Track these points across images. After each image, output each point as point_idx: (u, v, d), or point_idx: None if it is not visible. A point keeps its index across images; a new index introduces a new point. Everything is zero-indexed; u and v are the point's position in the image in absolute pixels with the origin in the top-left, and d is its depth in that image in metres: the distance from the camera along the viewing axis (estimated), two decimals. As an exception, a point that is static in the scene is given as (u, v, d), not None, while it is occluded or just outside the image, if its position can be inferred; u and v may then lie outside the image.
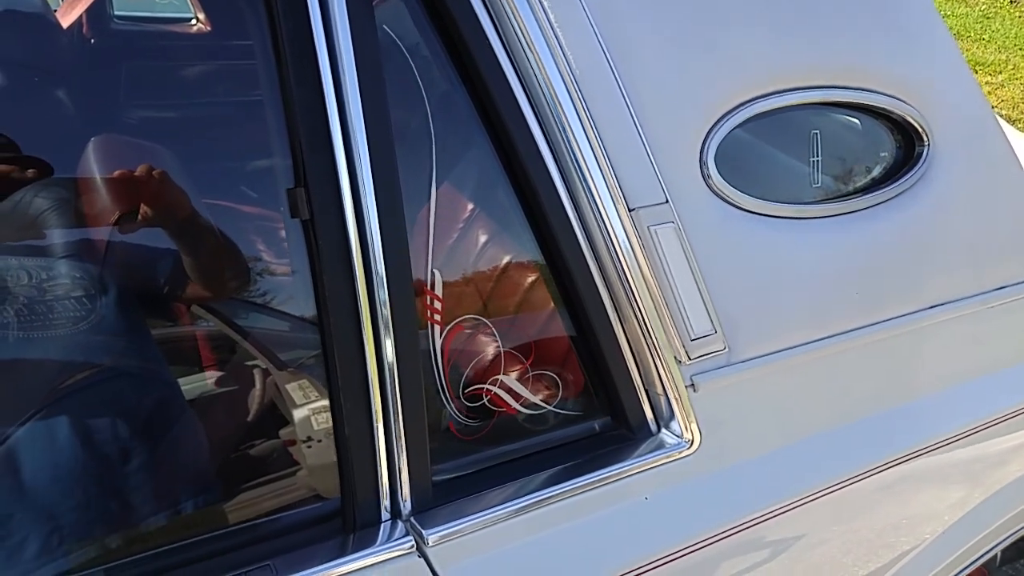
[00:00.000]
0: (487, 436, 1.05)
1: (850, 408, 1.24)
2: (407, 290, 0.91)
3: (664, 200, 1.04)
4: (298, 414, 1.13)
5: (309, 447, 1.13)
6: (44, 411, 1.02)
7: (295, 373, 1.17)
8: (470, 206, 1.00)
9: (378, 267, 0.89)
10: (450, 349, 0.99)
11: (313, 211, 0.86)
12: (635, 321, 1.06)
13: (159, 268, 1.14)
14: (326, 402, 0.99)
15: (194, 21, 2.17)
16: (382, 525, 0.96)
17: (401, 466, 0.95)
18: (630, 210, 1.01)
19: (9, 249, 1.07)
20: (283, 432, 1.18)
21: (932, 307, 1.32)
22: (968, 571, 1.43)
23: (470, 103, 0.96)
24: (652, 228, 1.03)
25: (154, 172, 1.05)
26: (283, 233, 1.07)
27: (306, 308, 0.94)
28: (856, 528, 1.26)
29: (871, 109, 1.26)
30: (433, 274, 0.97)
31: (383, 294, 0.89)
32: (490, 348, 1.02)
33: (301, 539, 0.93)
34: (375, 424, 0.92)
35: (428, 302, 0.97)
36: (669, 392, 1.09)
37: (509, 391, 1.04)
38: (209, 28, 1.70)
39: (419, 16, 0.93)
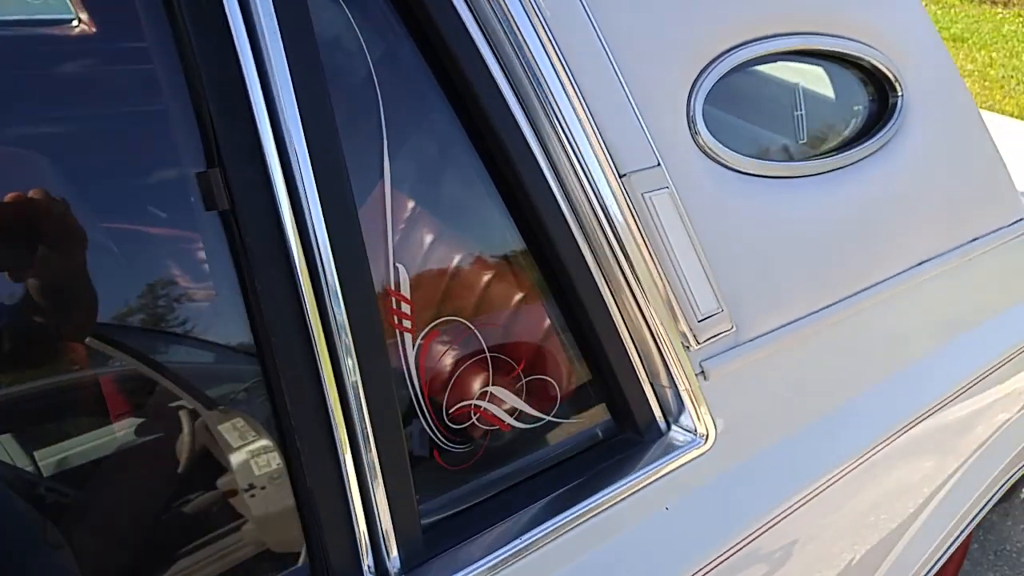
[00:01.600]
0: (478, 461, 0.80)
1: (860, 378, 1.04)
2: (367, 291, 0.66)
3: (656, 163, 0.82)
4: (236, 458, 0.84)
5: (253, 496, 0.84)
6: None
7: (227, 412, 0.87)
8: (434, 184, 0.75)
9: (326, 264, 0.63)
10: (426, 362, 0.74)
11: (233, 197, 0.60)
12: (634, 305, 0.83)
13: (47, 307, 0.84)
14: (267, 441, 0.72)
15: (76, 22, 1.83)
16: (366, 593, 0.70)
17: (382, 514, 0.69)
18: (620, 176, 0.79)
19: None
20: (221, 482, 0.88)
21: (921, 263, 1.14)
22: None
23: (423, 60, 0.72)
24: (647, 195, 0.80)
25: (53, 198, 0.74)
26: (200, 251, 0.78)
27: (234, 332, 0.66)
28: (877, 497, 1.07)
29: (846, 58, 1.08)
30: (396, 270, 0.71)
31: (336, 299, 0.63)
32: (475, 356, 0.77)
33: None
34: (344, 467, 0.66)
35: (394, 306, 0.71)
36: (678, 383, 0.87)
37: (500, 404, 0.79)
38: (94, 29, 1.38)
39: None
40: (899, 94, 1.13)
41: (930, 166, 1.16)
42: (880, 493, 1.06)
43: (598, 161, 0.77)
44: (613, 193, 0.78)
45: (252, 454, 0.70)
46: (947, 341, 1.16)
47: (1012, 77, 5.17)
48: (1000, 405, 1.32)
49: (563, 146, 0.76)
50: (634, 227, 0.79)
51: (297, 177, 0.61)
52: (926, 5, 6.51)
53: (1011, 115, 4.77)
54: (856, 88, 1.13)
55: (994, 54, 5.85)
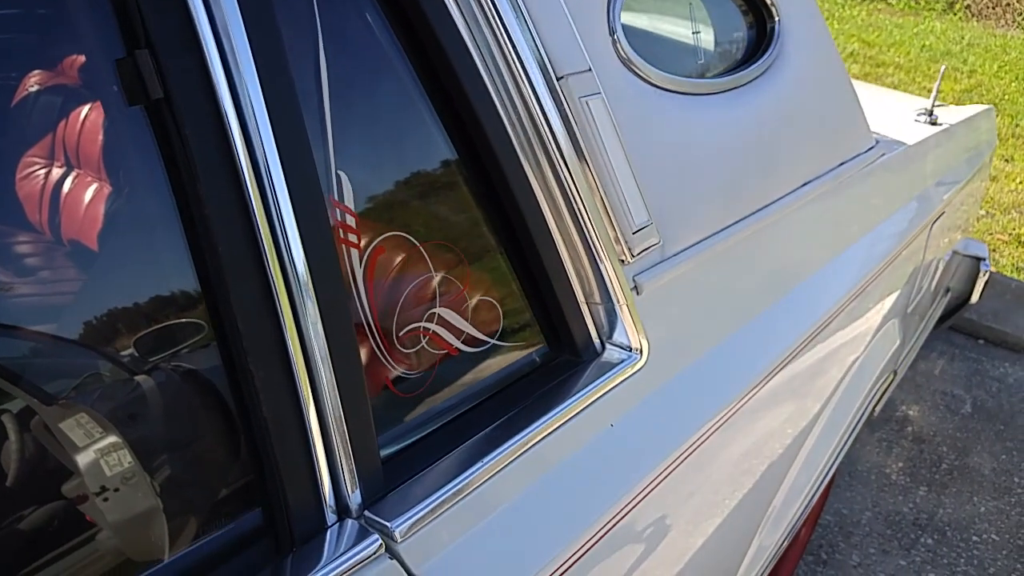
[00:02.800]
0: (429, 387, 0.78)
1: (770, 291, 1.13)
2: (315, 194, 0.61)
3: (588, 68, 0.83)
4: (83, 459, 0.75)
5: (106, 499, 0.76)
6: None
7: (69, 406, 0.77)
8: (372, 92, 0.71)
9: (271, 167, 0.58)
10: (374, 281, 0.71)
11: (167, 85, 0.53)
12: (571, 218, 0.84)
13: None
14: (116, 438, 0.66)
15: None
16: (329, 531, 0.66)
17: (342, 449, 0.65)
18: (558, 78, 0.79)
19: None
20: (67, 488, 0.77)
21: (805, 184, 1.25)
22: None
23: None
24: (583, 99, 0.81)
25: None
26: (38, 256, 0.67)
27: (77, 319, 0.59)
28: (791, 404, 1.18)
29: (730, -19, 1.15)
30: (339, 177, 0.67)
31: (284, 202, 0.59)
32: (421, 275, 0.75)
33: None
34: (302, 397, 0.62)
35: (339, 217, 0.68)
36: (615, 299, 0.89)
37: (448, 326, 0.78)
38: None
39: None
40: (776, 19, 1.22)
41: (806, 91, 1.27)
42: (788, 403, 1.16)
43: (537, 63, 0.77)
44: (552, 96, 0.78)
45: (96, 451, 0.62)
46: (834, 256, 1.29)
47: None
48: (867, 322, 1.49)
49: (502, 49, 0.75)
50: (574, 132, 0.80)
51: (233, 60, 0.56)
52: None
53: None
54: (735, 14, 1.22)
55: None
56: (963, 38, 6.24)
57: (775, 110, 1.17)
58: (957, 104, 5.16)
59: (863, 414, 1.55)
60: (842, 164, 1.40)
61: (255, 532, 0.65)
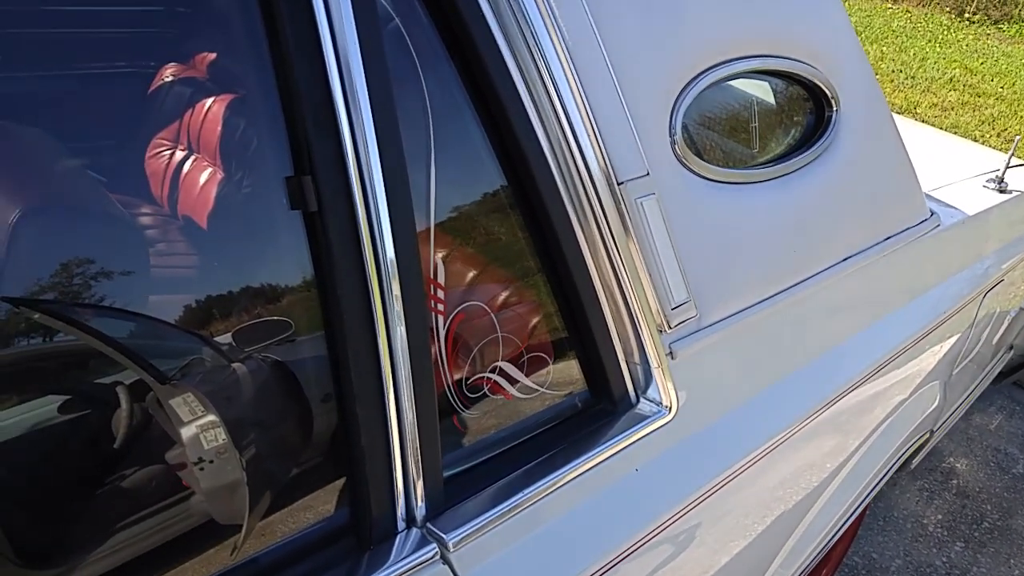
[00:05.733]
0: (486, 425, 1.01)
1: (796, 358, 1.32)
2: (418, 283, 0.84)
3: (646, 172, 1.03)
4: (186, 432, 1.01)
5: (202, 469, 1.01)
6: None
7: (179, 387, 1.03)
8: (467, 195, 0.94)
9: (388, 260, 0.81)
10: (452, 340, 0.93)
11: (322, 202, 0.76)
12: (620, 296, 1.05)
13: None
14: (214, 417, 0.89)
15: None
16: (398, 536, 0.89)
17: (415, 471, 0.88)
18: (619, 183, 1.00)
19: None
20: (170, 455, 1.03)
21: (846, 259, 1.43)
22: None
23: (464, 84, 0.90)
24: (639, 201, 1.02)
25: None
26: (156, 228, 0.91)
27: (192, 312, 0.82)
28: (808, 461, 1.36)
29: (793, 77, 1.33)
30: (435, 263, 0.90)
31: (395, 289, 0.82)
32: (489, 335, 0.97)
33: (308, 569, 0.84)
34: (390, 431, 0.85)
35: (432, 292, 0.90)
36: (651, 361, 1.10)
37: (507, 377, 1.00)
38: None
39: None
40: (835, 109, 1.39)
41: (856, 173, 1.44)
42: (804, 461, 1.35)
43: (602, 170, 0.97)
44: (612, 196, 0.99)
45: (197, 427, 0.86)
46: (865, 327, 1.46)
47: (901, 71, 5.76)
48: (899, 387, 1.65)
49: (574, 159, 0.96)
50: (629, 228, 1.00)
51: (370, 188, 0.78)
52: None
53: (899, 108, 5.36)
54: (798, 103, 1.39)
55: (884, 48, 6.45)
56: (1076, 73, 6.13)
57: (821, 194, 1.34)
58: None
59: (888, 471, 1.72)
60: (889, 238, 1.56)
61: (343, 529, 0.88)
